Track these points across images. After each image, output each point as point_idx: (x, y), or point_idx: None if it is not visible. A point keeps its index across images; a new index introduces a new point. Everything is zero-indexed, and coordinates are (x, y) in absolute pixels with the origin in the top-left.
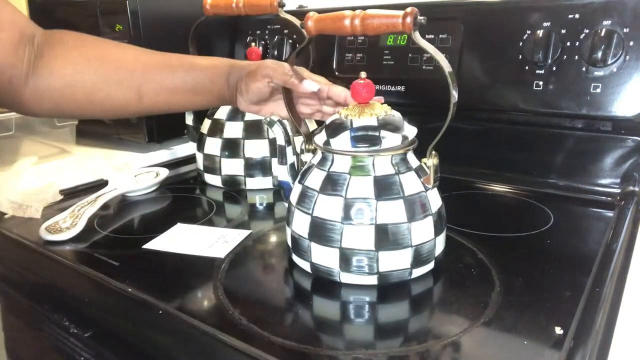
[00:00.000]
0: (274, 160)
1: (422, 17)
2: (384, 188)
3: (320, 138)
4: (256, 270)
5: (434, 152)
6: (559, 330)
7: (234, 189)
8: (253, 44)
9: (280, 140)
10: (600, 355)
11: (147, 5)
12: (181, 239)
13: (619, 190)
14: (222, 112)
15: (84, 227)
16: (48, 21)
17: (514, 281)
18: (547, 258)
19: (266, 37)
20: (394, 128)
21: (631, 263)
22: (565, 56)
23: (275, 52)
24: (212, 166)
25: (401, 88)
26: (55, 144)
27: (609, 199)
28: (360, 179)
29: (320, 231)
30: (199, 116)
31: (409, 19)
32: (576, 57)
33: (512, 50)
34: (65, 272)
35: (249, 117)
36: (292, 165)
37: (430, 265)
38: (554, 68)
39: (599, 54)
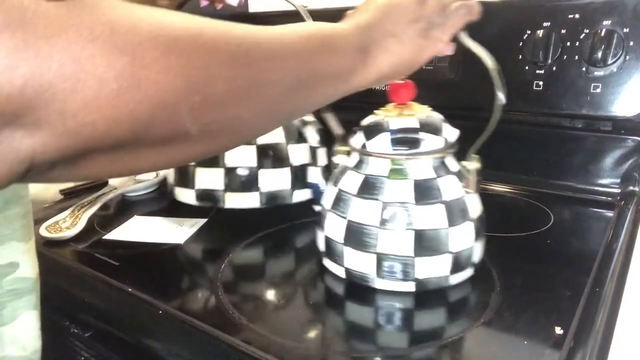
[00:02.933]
0: (262, 172)
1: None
2: (423, 192)
3: (356, 140)
4: (256, 271)
5: (475, 156)
6: (559, 330)
7: (211, 206)
8: None
9: (313, 142)
10: (600, 355)
11: None
12: (143, 230)
13: (619, 190)
14: None
15: (84, 227)
16: None
17: (514, 281)
18: (547, 258)
19: None
20: (435, 130)
21: (631, 263)
22: (565, 56)
23: None
24: (184, 178)
25: None
26: None
27: (609, 199)
28: (399, 182)
29: (355, 236)
30: None
31: None
32: (576, 57)
33: (512, 50)
34: (65, 272)
35: None
36: (325, 167)
37: (469, 272)
38: (554, 68)
39: (599, 54)
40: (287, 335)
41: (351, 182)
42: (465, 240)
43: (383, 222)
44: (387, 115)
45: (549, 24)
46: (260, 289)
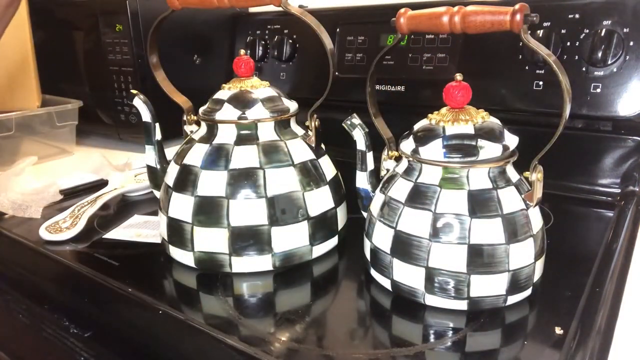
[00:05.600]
0: (274, 230)
1: (534, 15)
2: (480, 204)
3: (407, 145)
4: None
5: (539, 165)
6: (559, 330)
7: (212, 272)
8: (242, 51)
9: (361, 145)
10: (600, 355)
11: (147, 5)
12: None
13: (619, 190)
14: (196, 156)
15: (84, 227)
16: (48, 21)
17: None
18: (547, 258)
19: (266, 37)
20: (493, 137)
21: (631, 263)
22: (565, 56)
23: (276, 52)
24: (179, 237)
25: (401, 88)
26: (55, 144)
27: (609, 199)
28: (453, 192)
29: (404, 247)
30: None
31: (518, 17)
32: (576, 57)
33: (512, 50)
34: (65, 272)
35: (237, 163)
36: (372, 171)
37: (527, 292)
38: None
39: (599, 54)
40: (288, 335)
41: (400, 189)
42: (525, 257)
43: (434, 235)
44: (440, 120)
45: (549, 24)
46: (260, 289)
